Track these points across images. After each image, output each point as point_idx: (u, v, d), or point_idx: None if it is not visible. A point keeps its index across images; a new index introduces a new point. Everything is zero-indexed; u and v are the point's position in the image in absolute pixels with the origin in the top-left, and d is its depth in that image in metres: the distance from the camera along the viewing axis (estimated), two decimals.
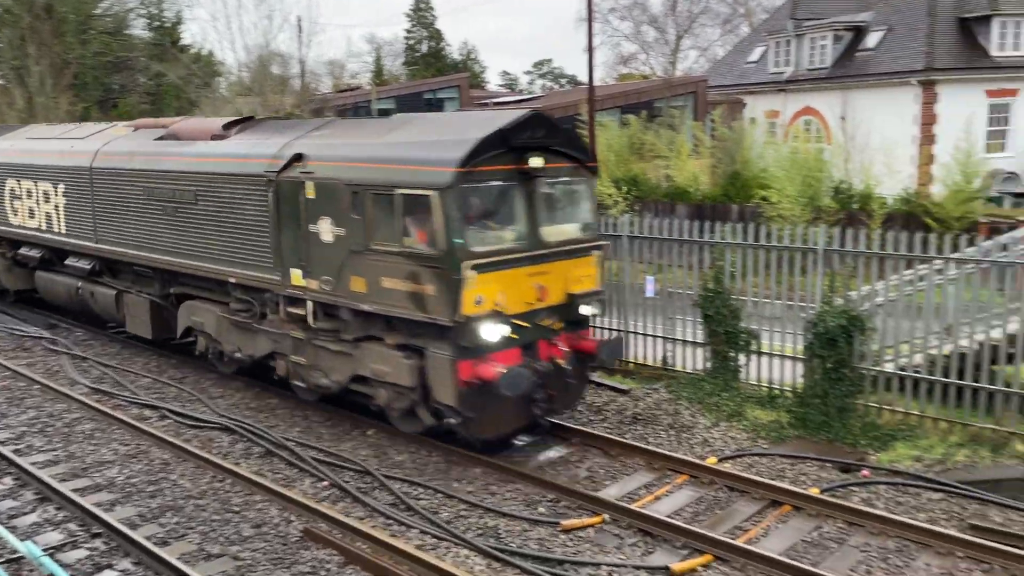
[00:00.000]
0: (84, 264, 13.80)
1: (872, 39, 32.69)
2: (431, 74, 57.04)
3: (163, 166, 11.75)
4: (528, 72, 74.85)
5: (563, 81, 70.31)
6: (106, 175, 12.89)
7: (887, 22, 32.75)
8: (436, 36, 67.30)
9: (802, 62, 34.42)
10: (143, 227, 12.23)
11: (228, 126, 11.55)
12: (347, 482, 8.76)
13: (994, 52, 30.06)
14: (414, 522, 7.88)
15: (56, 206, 14.19)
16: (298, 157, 9.61)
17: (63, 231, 14.08)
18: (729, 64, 40.13)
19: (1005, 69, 29.83)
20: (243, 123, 11.72)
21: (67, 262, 14.17)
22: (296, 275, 9.84)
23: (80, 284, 14.03)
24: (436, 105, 38.27)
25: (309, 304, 9.82)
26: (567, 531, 7.75)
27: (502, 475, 8.94)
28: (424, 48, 66.97)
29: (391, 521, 7.95)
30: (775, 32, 36.30)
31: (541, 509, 8.24)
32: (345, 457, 9.40)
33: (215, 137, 11.42)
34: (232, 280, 10.80)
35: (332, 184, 9.15)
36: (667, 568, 7.05)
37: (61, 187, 13.99)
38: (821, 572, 6.80)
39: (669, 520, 7.77)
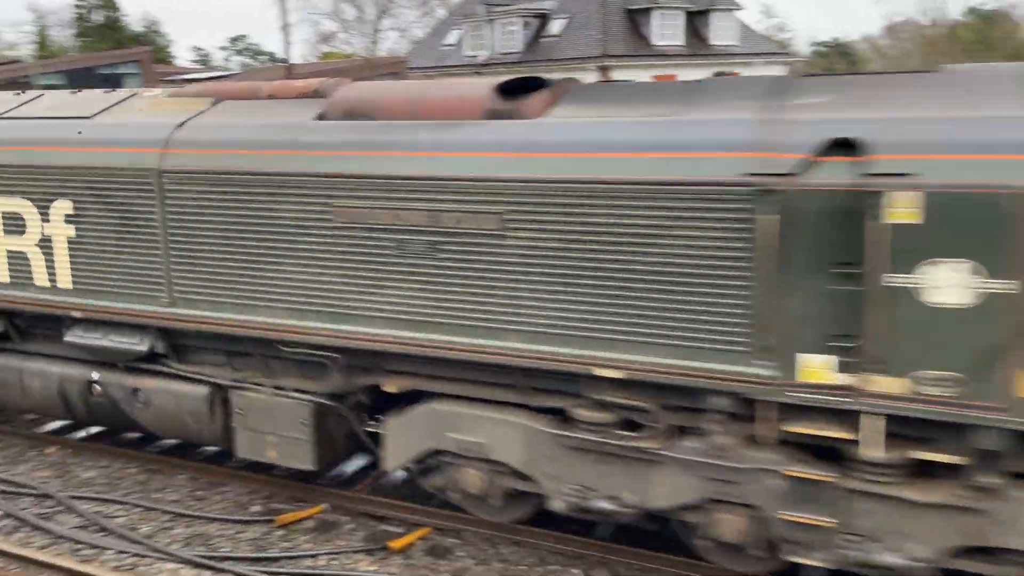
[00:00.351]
0: (126, 342, 7.69)
1: (556, 26, 35.20)
2: (107, 47, 51.62)
3: (410, 169, 6.24)
4: (224, 48, 70.79)
5: (262, 58, 67.50)
6: (222, 182, 6.92)
7: (568, 10, 35.43)
8: (110, 5, 60.98)
9: (496, 46, 36.12)
10: (329, 277, 6.63)
11: (511, 91, 6.39)
12: (24, 509, 7.74)
13: (655, 41, 33.79)
14: (109, 543, 7.17)
15: (42, 240, 7.81)
16: (846, 145, 5.15)
17: (60, 283, 7.81)
18: (428, 46, 40.97)
19: (665, 56, 33.67)
20: (532, 90, 6.44)
21: (71, 337, 7.96)
22: (818, 365, 5.42)
23: (99, 377, 8.01)
24: (114, 81, 34.75)
25: (868, 420, 5.38)
26: (284, 526, 7.50)
27: (211, 479, 8.42)
28: (98, 18, 60.44)
29: (80, 545, 7.16)
30: (469, 16, 37.67)
31: (255, 508, 7.89)
32: (20, 482, 8.28)
33: (505, 115, 6.20)
34: (606, 374, 5.86)
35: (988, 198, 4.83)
36: (386, 546, 7.11)
37: (61, 206, 7.66)
38: None
39: (387, 500, 7.82)
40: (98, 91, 8.89)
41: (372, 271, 6.45)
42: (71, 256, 7.69)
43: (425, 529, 7.35)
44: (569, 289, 5.86)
